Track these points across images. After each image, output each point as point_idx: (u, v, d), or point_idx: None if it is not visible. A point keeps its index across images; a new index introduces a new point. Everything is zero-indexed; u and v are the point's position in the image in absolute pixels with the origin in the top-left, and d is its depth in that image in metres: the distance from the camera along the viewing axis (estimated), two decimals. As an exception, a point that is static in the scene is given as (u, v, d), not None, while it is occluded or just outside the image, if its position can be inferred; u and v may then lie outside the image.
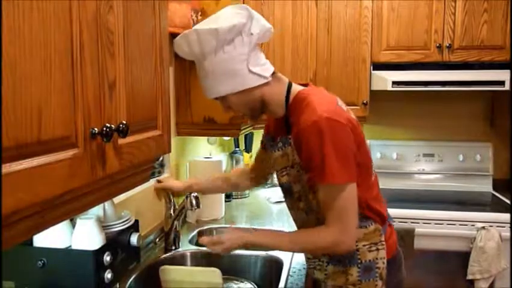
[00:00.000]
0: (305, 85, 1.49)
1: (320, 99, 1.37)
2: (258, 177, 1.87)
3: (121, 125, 0.89)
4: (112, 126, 0.86)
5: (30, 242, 1.30)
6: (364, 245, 1.45)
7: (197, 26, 1.37)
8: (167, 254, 1.90)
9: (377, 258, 1.45)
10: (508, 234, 2.54)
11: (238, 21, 1.32)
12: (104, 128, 0.84)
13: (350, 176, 1.31)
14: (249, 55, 1.36)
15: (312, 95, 1.39)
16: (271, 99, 1.44)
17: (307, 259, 1.60)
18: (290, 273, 1.70)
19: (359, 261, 1.45)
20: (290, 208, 1.57)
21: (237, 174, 1.93)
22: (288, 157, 1.45)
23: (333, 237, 1.34)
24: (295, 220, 1.59)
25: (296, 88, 1.45)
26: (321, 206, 1.37)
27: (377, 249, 1.46)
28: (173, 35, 1.94)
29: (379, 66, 2.89)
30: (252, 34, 1.35)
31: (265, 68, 1.41)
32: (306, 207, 1.48)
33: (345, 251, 1.40)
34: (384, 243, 1.47)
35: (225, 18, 1.34)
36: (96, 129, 0.83)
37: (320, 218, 1.42)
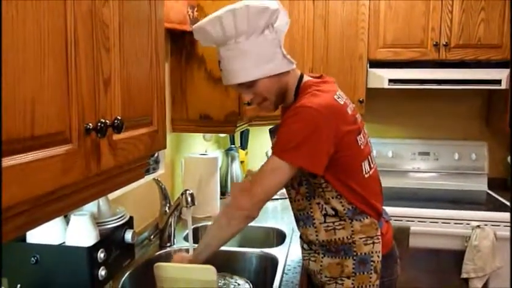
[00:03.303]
0: (319, 77, 1.54)
1: (317, 90, 1.42)
2: None
3: (115, 121, 0.88)
4: (107, 121, 0.85)
5: (23, 238, 1.29)
6: (360, 238, 1.46)
7: (245, 2, 1.35)
8: (162, 251, 1.89)
9: (372, 252, 1.47)
10: (503, 233, 2.55)
11: (278, 5, 1.38)
12: (99, 124, 0.83)
13: (295, 158, 1.34)
14: (280, 41, 1.43)
15: (313, 86, 1.45)
16: (290, 90, 1.49)
17: (303, 250, 1.61)
18: (285, 271, 1.70)
19: (355, 253, 1.47)
20: (292, 200, 1.58)
21: None
22: None
23: (237, 193, 1.42)
24: (293, 208, 1.60)
25: (306, 78, 1.50)
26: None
27: (373, 243, 1.47)
28: (169, 31, 1.94)
29: (376, 63, 2.89)
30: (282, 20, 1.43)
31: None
32: (307, 191, 1.49)
33: (242, 210, 1.41)
34: (380, 237, 1.49)
35: (262, 2, 1.36)
36: (91, 124, 0.82)
37: (321, 203, 1.46)
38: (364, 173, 1.48)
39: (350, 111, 1.45)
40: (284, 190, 1.64)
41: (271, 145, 1.60)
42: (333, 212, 1.46)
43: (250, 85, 1.42)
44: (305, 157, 1.34)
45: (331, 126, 1.34)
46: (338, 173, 1.41)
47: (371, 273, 1.47)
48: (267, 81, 1.41)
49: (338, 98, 1.45)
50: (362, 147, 1.47)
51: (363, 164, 1.48)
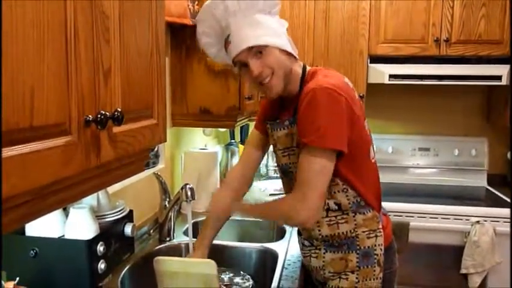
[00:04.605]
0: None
1: (326, 73, 1.42)
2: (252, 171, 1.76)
3: (116, 113, 0.87)
4: (107, 113, 0.84)
5: (22, 231, 1.28)
6: (363, 231, 1.46)
7: None
8: (162, 245, 1.89)
9: (375, 245, 1.47)
10: (502, 228, 2.55)
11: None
12: (99, 116, 0.82)
13: (337, 143, 1.32)
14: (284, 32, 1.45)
15: (320, 71, 1.45)
16: (294, 77, 1.46)
17: (303, 246, 1.60)
18: (285, 266, 1.70)
19: (358, 247, 1.46)
20: (287, 192, 1.58)
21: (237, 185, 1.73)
22: (293, 136, 1.46)
23: (291, 203, 1.37)
24: None
25: (309, 67, 1.50)
26: (297, 171, 1.38)
27: (376, 236, 1.47)
28: (169, 25, 1.93)
29: (376, 59, 2.89)
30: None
31: None
32: None
33: (300, 222, 1.40)
34: (381, 230, 1.49)
35: None
36: (90, 116, 0.81)
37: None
38: (371, 157, 1.49)
39: (357, 96, 1.46)
40: (281, 185, 1.64)
41: (273, 138, 1.58)
42: (336, 207, 1.45)
43: (260, 51, 1.37)
44: (340, 138, 1.33)
45: (348, 106, 1.34)
46: (350, 156, 1.38)
47: (375, 267, 1.46)
48: (277, 53, 1.39)
49: (348, 82, 1.46)
50: (368, 132, 1.49)
51: (370, 149, 1.49)
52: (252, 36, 1.36)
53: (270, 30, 1.39)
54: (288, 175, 1.53)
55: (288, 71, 1.43)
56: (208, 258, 1.49)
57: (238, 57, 1.39)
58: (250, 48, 1.36)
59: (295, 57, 1.46)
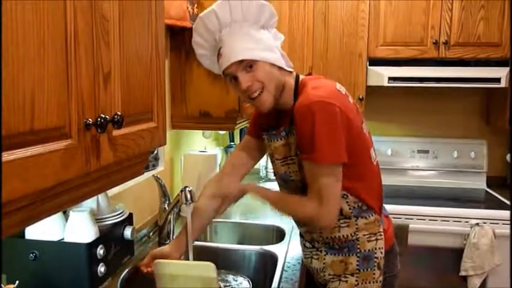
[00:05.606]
0: (308, 75, 1.55)
1: (315, 84, 1.41)
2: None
3: (115, 116, 0.88)
4: (107, 117, 0.84)
5: (22, 234, 1.28)
6: (364, 235, 1.46)
7: None
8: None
9: (375, 248, 1.47)
10: (502, 231, 2.55)
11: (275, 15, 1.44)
12: (99, 119, 0.82)
13: (337, 156, 1.34)
14: (278, 46, 1.46)
15: (309, 82, 1.44)
16: (287, 90, 1.46)
17: (305, 248, 1.60)
18: (285, 268, 1.70)
19: (358, 250, 1.46)
20: None
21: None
22: (290, 146, 1.46)
23: (311, 212, 1.39)
24: None
25: (301, 77, 1.50)
26: (307, 179, 1.40)
27: (376, 239, 1.47)
28: (168, 27, 1.93)
29: (375, 61, 2.89)
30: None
31: None
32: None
33: (322, 228, 1.47)
34: (382, 233, 1.49)
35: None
36: (90, 119, 0.82)
37: None
38: (372, 160, 1.49)
39: (351, 101, 1.46)
40: (278, 188, 1.64)
41: (270, 148, 1.55)
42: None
43: (250, 65, 1.37)
44: (338, 151, 1.34)
45: (343, 114, 1.34)
46: (352, 162, 1.38)
47: (375, 270, 1.46)
48: (268, 67, 1.38)
49: (340, 88, 1.46)
50: (367, 135, 1.49)
51: (371, 151, 1.49)
52: (243, 50, 1.36)
53: (261, 45, 1.39)
54: (290, 183, 1.52)
55: (280, 85, 1.43)
56: (207, 260, 1.48)
57: (228, 70, 1.39)
58: (240, 62, 1.37)
59: (288, 70, 1.46)
